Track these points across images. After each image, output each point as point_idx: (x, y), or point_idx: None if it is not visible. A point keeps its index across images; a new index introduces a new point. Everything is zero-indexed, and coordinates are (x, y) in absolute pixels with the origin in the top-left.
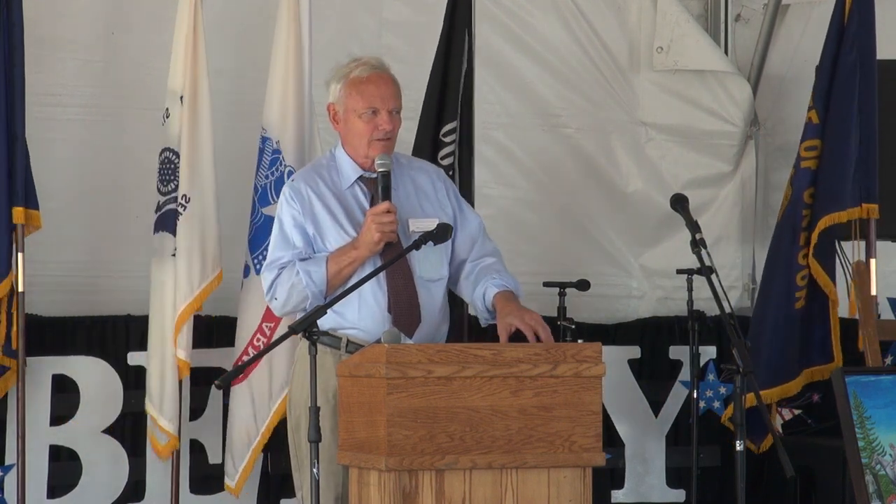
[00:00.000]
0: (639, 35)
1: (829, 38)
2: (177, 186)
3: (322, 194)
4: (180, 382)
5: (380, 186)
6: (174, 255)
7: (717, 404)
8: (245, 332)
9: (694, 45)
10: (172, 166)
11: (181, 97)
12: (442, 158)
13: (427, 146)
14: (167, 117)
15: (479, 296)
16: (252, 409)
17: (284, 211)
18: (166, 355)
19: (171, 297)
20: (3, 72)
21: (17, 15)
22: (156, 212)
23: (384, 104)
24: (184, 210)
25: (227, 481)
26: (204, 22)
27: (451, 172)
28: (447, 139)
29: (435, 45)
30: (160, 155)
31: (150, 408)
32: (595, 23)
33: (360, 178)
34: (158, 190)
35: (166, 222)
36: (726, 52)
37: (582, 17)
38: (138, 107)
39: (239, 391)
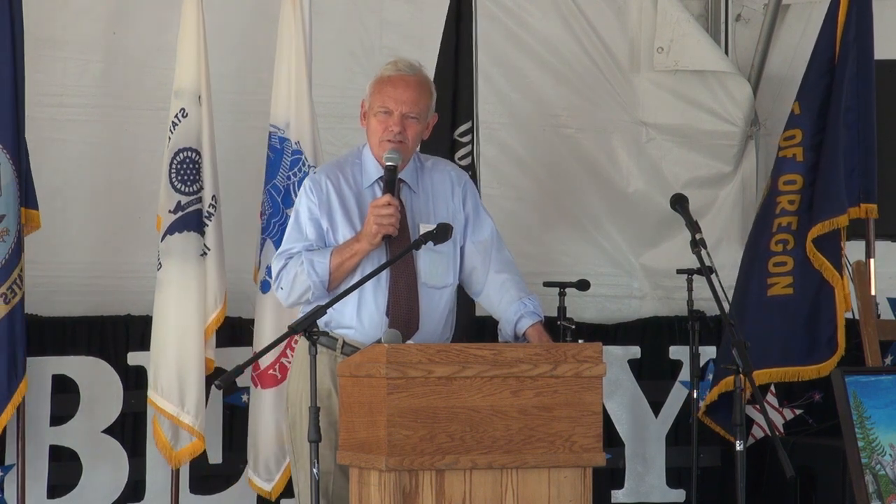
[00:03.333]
0: (639, 35)
1: (822, 34)
2: (201, 187)
3: (341, 190)
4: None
5: (385, 180)
6: (203, 255)
7: None
8: (262, 336)
9: (694, 45)
10: (196, 166)
11: (199, 97)
12: (460, 159)
13: (442, 147)
14: (184, 117)
15: (512, 320)
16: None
17: (302, 203)
18: (189, 355)
19: (198, 297)
20: (3, 71)
21: (18, 14)
22: (175, 212)
23: (398, 106)
24: (214, 210)
25: (263, 485)
26: (206, 20)
27: (470, 173)
28: (464, 139)
29: (435, 44)
30: (176, 154)
31: (170, 408)
32: (595, 23)
33: (381, 178)
34: (177, 189)
35: (191, 222)
36: (726, 52)
37: (582, 18)
38: (140, 107)
39: (269, 396)
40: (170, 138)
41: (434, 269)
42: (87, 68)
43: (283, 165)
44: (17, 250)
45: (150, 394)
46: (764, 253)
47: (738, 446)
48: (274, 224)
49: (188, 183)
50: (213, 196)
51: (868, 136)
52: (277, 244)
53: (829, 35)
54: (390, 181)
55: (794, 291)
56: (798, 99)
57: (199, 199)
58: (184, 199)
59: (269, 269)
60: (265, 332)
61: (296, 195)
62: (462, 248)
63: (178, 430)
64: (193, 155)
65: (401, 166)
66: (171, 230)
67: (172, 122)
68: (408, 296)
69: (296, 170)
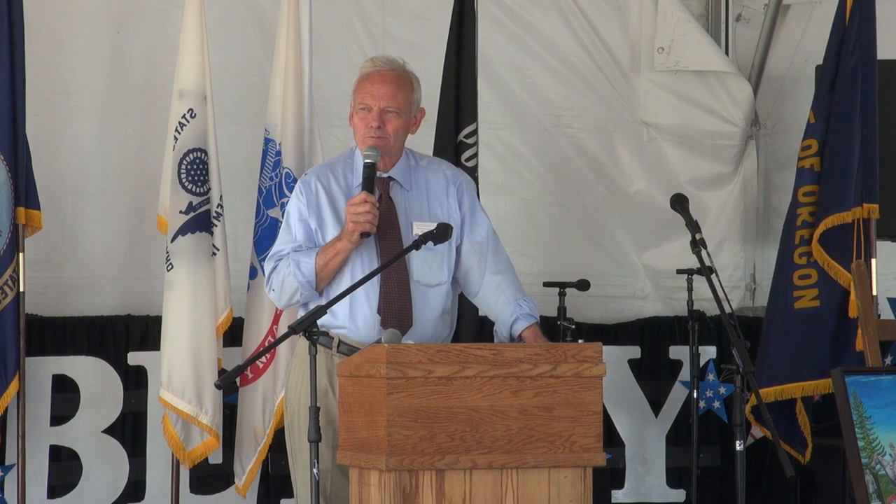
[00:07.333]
0: (640, 35)
1: (831, 38)
2: (210, 188)
3: (331, 190)
4: None
5: (363, 177)
6: (214, 254)
7: (717, 404)
8: (253, 333)
9: (695, 45)
10: (205, 167)
11: (204, 97)
12: (467, 160)
13: (447, 149)
14: (192, 117)
15: (507, 322)
16: (261, 410)
17: (293, 204)
18: (205, 356)
19: (210, 297)
20: (4, 71)
21: (18, 14)
22: (186, 212)
23: (375, 102)
24: (222, 210)
25: (236, 481)
26: (207, 22)
27: (476, 174)
28: (469, 140)
29: (437, 45)
30: (186, 155)
31: (188, 408)
32: (596, 23)
33: None
34: (188, 190)
35: (202, 223)
36: (727, 52)
37: (584, 18)
38: (146, 107)
39: (248, 392)
40: (176, 138)
41: (427, 267)
42: (92, 68)
43: (266, 166)
44: (11, 251)
45: (164, 394)
46: (789, 266)
47: (738, 446)
48: (256, 225)
49: (198, 183)
50: (221, 196)
51: (870, 136)
52: (258, 245)
53: (838, 39)
54: (368, 178)
55: (820, 303)
56: (813, 108)
57: (209, 200)
58: (195, 200)
59: (252, 269)
60: (256, 318)
61: (277, 196)
62: (459, 248)
63: (189, 429)
64: (202, 155)
65: (388, 163)
66: (182, 231)
67: (179, 122)
68: (399, 294)
69: (277, 171)
